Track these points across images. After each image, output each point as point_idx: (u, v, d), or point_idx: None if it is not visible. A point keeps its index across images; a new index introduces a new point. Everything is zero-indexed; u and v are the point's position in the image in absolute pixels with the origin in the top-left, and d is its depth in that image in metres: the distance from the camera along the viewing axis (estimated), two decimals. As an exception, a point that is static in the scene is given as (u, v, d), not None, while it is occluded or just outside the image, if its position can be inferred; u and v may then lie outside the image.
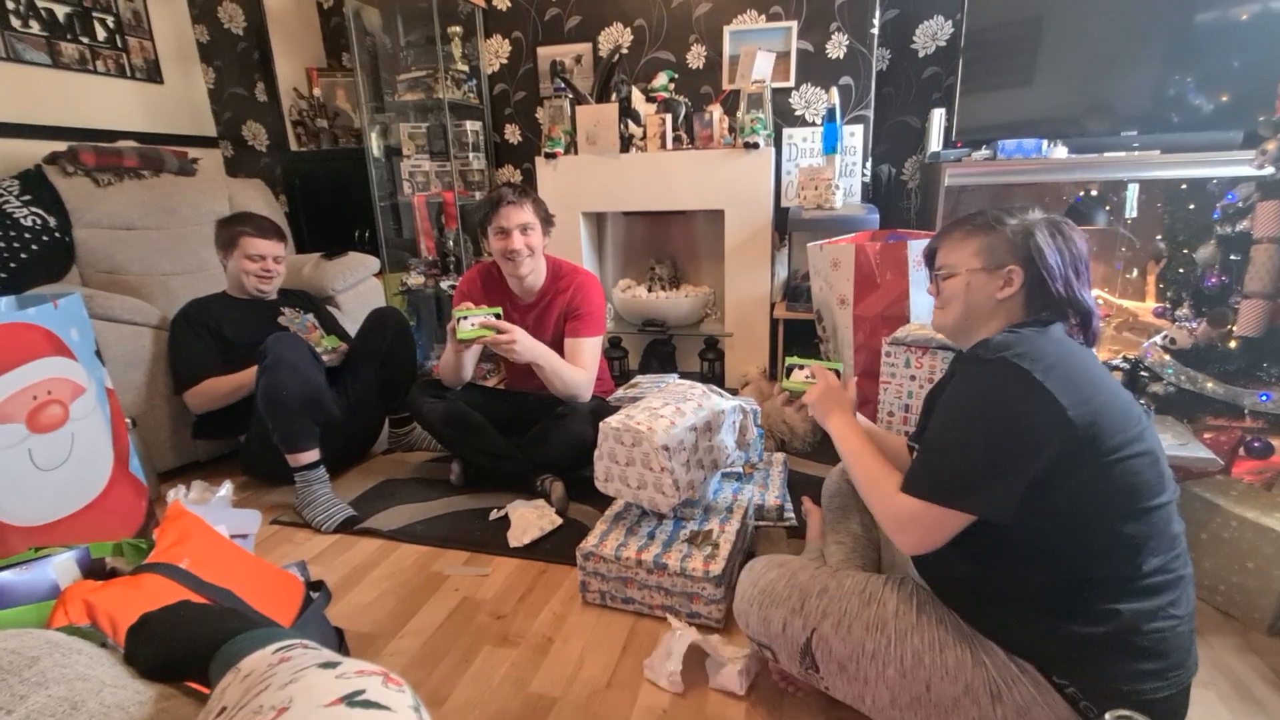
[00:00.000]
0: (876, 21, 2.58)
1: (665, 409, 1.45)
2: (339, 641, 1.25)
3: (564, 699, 1.16)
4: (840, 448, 1.06)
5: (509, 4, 2.95)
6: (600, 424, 1.46)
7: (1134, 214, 2.43)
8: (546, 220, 1.90)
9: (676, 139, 2.68)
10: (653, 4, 2.77)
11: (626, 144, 2.69)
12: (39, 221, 2.22)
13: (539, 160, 2.79)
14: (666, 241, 3.09)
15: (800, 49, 2.66)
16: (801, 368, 1.26)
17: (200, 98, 3.20)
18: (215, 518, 1.29)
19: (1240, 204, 1.44)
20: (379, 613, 1.41)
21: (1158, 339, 1.57)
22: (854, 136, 2.69)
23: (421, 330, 3.22)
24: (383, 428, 2.26)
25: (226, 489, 1.72)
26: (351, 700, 0.46)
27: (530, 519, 1.69)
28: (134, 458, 1.61)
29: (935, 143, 2.55)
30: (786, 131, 2.73)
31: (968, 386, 0.88)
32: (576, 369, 1.86)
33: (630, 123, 2.67)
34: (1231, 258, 1.46)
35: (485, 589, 1.49)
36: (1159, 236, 1.73)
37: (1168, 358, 1.50)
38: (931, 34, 2.70)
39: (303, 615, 1.16)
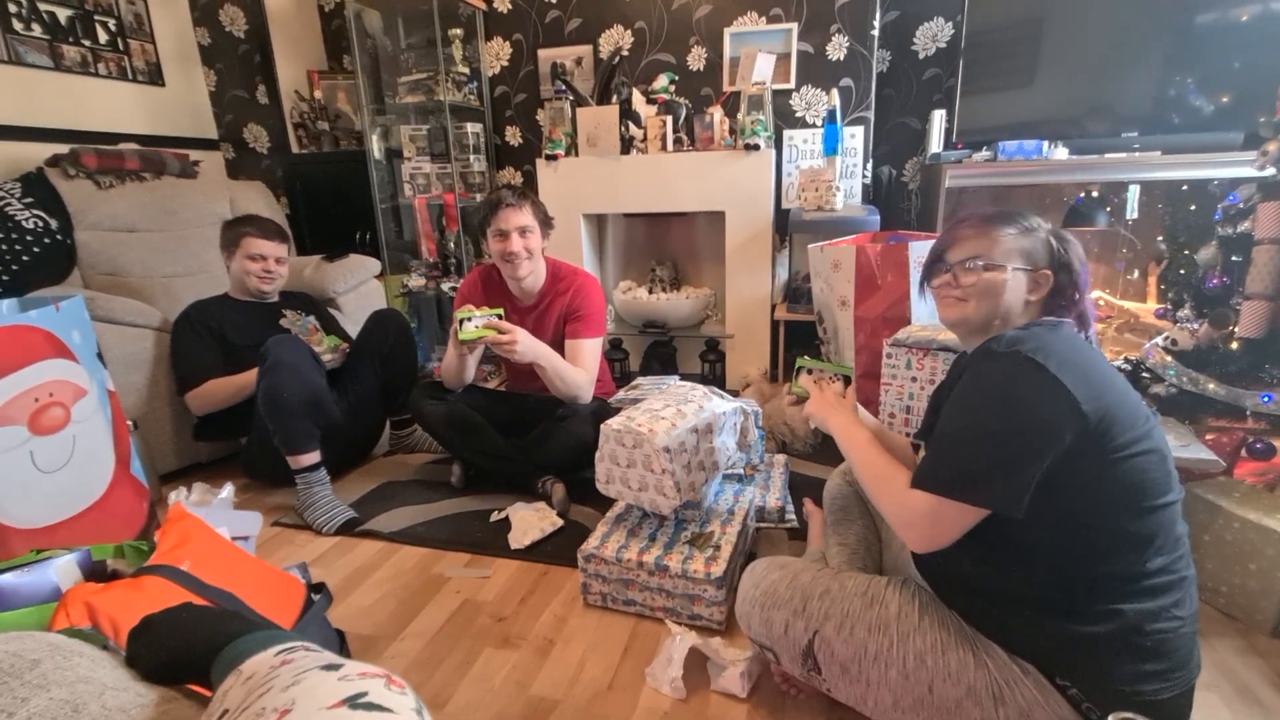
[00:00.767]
0: (877, 23, 2.59)
1: (666, 411, 1.45)
2: (340, 644, 1.25)
3: (565, 701, 1.16)
4: (844, 446, 1.05)
5: (509, 6, 2.95)
6: (601, 426, 1.46)
7: (1135, 215, 2.44)
8: (545, 223, 1.91)
9: (677, 141, 2.68)
10: (653, 6, 2.77)
11: (627, 146, 2.69)
12: (41, 224, 2.22)
13: (540, 162, 2.79)
14: (667, 243, 3.09)
15: (800, 51, 2.66)
16: (810, 371, 1.25)
17: (201, 100, 3.21)
18: (216, 520, 1.29)
19: (1241, 205, 1.44)
20: (380, 615, 1.41)
21: (1159, 340, 1.57)
22: (854, 138, 2.69)
23: (422, 332, 3.22)
24: (384, 430, 2.27)
25: (228, 491, 1.72)
26: (354, 702, 0.46)
27: (531, 521, 1.69)
28: (135, 460, 1.61)
29: (936, 144, 2.55)
30: (787, 133, 2.74)
31: (981, 381, 0.87)
32: (577, 370, 1.86)
33: (631, 124, 2.68)
34: (1233, 259, 1.46)
35: (486, 591, 1.48)
36: (1160, 238, 1.72)
37: (1169, 359, 1.50)
38: (932, 35, 2.70)
39: (304, 617, 1.15)
